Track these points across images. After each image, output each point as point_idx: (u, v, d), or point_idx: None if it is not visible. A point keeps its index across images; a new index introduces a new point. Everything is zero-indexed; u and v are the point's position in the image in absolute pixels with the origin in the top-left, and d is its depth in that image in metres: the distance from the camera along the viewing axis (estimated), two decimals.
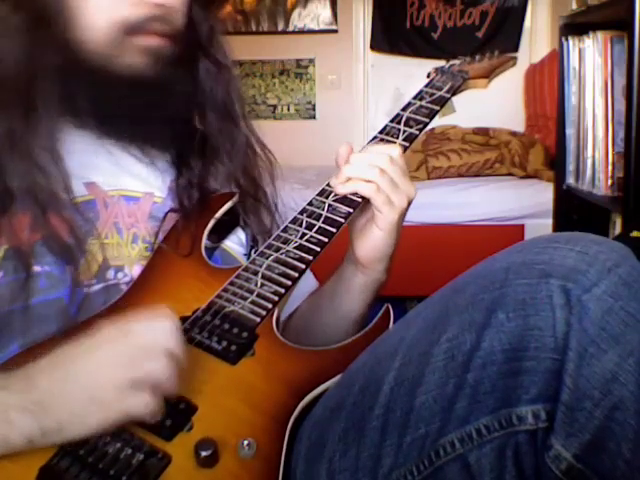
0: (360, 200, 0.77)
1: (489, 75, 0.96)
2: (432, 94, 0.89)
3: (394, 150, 0.77)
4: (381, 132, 0.84)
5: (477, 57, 1.01)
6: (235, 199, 0.82)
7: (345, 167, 0.77)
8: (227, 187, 0.86)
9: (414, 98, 0.89)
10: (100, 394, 0.54)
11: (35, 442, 0.54)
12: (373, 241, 0.77)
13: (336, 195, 0.78)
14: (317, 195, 0.78)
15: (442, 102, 0.88)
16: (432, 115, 0.86)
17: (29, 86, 0.68)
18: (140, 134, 0.75)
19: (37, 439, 0.54)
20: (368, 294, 0.82)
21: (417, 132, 0.83)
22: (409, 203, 0.77)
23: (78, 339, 0.57)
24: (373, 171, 0.75)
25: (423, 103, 0.87)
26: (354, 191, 0.76)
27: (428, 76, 0.94)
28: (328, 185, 0.79)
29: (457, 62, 0.99)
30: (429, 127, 0.87)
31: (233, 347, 0.65)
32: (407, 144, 0.82)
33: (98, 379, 0.55)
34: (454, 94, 0.90)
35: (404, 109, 0.87)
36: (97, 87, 0.71)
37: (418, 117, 0.85)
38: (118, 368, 0.55)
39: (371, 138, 0.84)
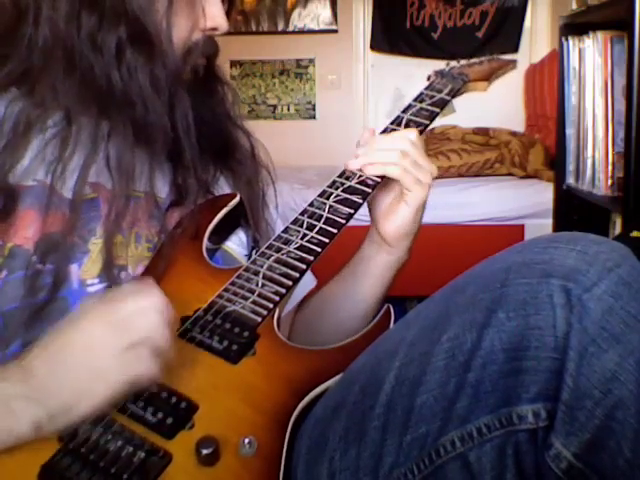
0: (361, 201, 0.77)
1: (489, 78, 0.96)
2: (432, 96, 0.89)
3: (412, 133, 0.80)
4: (382, 134, 0.84)
5: (477, 60, 1.01)
6: (236, 200, 0.82)
7: (369, 151, 0.80)
8: (228, 188, 0.86)
9: (414, 100, 0.89)
10: (100, 364, 0.55)
11: (43, 428, 0.54)
12: (402, 219, 0.81)
13: (337, 196, 0.78)
14: (318, 196, 0.79)
15: (442, 104, 0.88)
16: (432, 117, 0.86)
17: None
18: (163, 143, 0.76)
19: (45, 424, 0.54)
20: (391, 274, 0.85)
21: None
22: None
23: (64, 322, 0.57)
24: (397, 154, 0.78)
25: (423, 105, 0.88)
26: (382, 173, 0.79)
27: (428, 79, 0.94)
28: (348, 171, 0.81)
29: (457, 64, 0.99)
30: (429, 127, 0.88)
31: (234, 347, 0.65)
32: None
33: (93, 351, 0.55)
34: (454, 96, 0.90)
35: (404, 111, 0.87)
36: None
37: (418, 119, 0.86)
38: (111, 335, 0.55)
39: None
